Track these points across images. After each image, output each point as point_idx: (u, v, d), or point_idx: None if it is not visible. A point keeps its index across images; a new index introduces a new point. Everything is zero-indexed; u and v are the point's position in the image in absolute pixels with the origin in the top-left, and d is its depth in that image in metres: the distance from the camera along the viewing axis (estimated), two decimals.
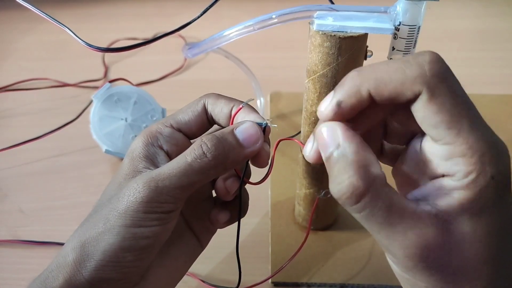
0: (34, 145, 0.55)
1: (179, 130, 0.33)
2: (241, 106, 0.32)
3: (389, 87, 0.24)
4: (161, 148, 0.31)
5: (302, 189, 0.41)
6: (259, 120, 0.31)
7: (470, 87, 0.67)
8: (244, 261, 0.35)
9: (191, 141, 0.33)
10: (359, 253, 0.43)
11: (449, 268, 0.24)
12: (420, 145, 0.26)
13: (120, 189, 0.29)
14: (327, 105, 0.25)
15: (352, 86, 0.25)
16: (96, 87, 0.66)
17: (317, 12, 0.31)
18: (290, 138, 0.35)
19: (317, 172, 0.39)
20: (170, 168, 0.28)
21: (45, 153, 0.56)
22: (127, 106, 0.53)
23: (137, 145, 0.31)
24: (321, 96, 0.33)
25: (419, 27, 0.30)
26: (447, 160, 0.24)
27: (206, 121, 0.33)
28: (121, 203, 0.28)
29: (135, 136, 0.52)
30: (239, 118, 0.32)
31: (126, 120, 0.53)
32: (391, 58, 0.32)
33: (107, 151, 0.52)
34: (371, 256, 0.43)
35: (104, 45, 0.76)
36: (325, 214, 0.44)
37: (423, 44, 0.82)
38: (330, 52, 0.31)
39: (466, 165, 0.23)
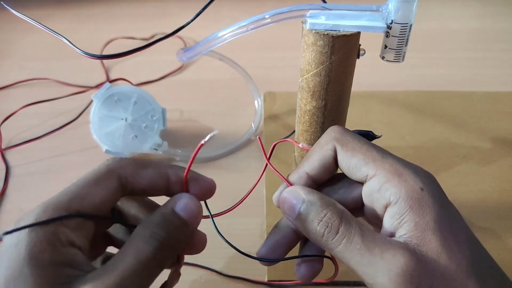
0: (34, 145, 0.55)
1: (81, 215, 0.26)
2: (202, 142, 0.28)
3: (316, 159, 0.30)
4: (73, 245, 0.24)
5: None
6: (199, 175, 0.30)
7: (470, 87, 0.68)
8: (240, 260, 0.35)
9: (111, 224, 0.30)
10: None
11: (437, 284, 0.24)
12: (361, 193, 0.30)
13: None
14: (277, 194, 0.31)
15: (300, 173, 0.31)
16: (96, 87, 0.67)
17: (310, 11, 0.31)
18: (284, 139, 0.35)
19: None
20: (131, 269, 0.24)
21: (45, 153, 0.56)
22: (127, 106, 0.54)
23: (36, 246, 0.22)
24: (315, 94, 0.33)
25: (411, 25, 0.30)
26: (379, 191, 0.27)
27: (119, 196, 0.28)
28: None
29: (135, 136, 0.53)
30: (173, 184, 0.29)
31: (126, 120, 0.53)
32: (383, 57, 0.32)
33: (107, 151, 0.52)
34: None
35: (103, 45, 0.76)
36: None
37: (423, 44, 0.83)
38: (323, 51, 0.31)
39: (393, 187, 0.26)
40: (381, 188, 0.27)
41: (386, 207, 0.27)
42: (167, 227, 0.26)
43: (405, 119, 0.60)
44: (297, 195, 0.29)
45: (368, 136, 0.38)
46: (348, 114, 0.37)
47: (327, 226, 0.26)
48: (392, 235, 0.26)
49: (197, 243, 0.30)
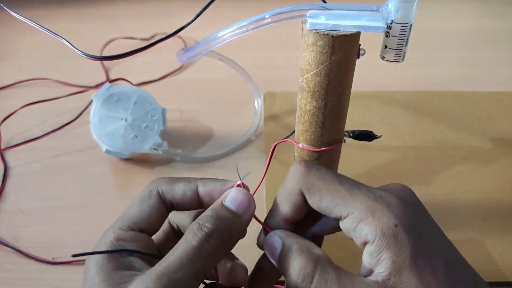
0: (34, 145, 0.55)
1: (140, 230, 0.30)
2: (238, 182, 0.31)
3: (286, 207, 0.30)
4: (131, 255, 0.29)
5: None
6: (233, 182, 0.31)
7: (470, 87, 0.68)
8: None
9: (153, 237, 0.31)
10: (354, 251, 0.43)
11: None
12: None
13: None
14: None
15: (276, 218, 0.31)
16: (96, 87, 0.67)
17: (310, 11, 0.31)
18: (284, 140, 0.35)
19: None
20: (177, 257, 0.26)
21: (45, 153, 0.56)
22: (127, 106, 0.54)
23: (101, 261, 0.28)
24: (315, 94, 0.33)
25: (411, 25, 0.30)
26: (355, 231, 0.27)
27: (165, 211, 0.31)
28: None
29: (135, 136, 0.53)
30: (203, 195, 0.31)
31: (126, 120, 0.53)
32: (383, 57, 0.32)
33: (107, 151, 0.52)
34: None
35: (103, 45, 0.76)
36: None
37: (424, 43, 0.83)
38: (323, 51, 0.31)
39: (368, 226, 0.26)
40: (356, 228, 0.27)
41: (364, 244, 0.27)
42: (215, 219, 0.28)
43: (405, 119, 0.60)
44: (277, 240, 0.29)
45: (368, 136, 0.38)
46: (348, 114, 0.37)
47: (302, 275, 0.27)
48: (370, 272, 0.26)
49: (235, 274, 0.31)
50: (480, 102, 0.63)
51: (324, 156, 0.38)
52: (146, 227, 0.30)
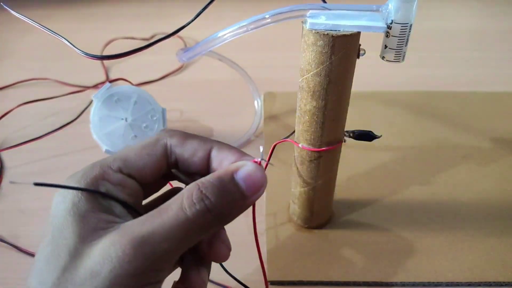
0: (34, 145, 0.55)
1: (129, 175, 0.26)
2: (259, 160, 0.27)
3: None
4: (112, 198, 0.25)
5: (297, 188, 0.42)
6: (250, 157, 0.27)
7: (470, 87, 0.68)
8: (239, 260, 0.35)
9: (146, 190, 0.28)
10: (354, 250, 0.43)
11: None
12: None
13: (79, 257, 0.22)
14: None
15: None
16: (96, 87, 0.67)
17: (310, 11, 0.31)
18: (284, 140, 0.35)
19: (312, 170, 0.39)
20: (166, 225, 0.23)
21: (45, 153, 0.56)
22: (127, 106, 0.54)
23: (78, 197, 0.24)
24: (315, 94, 0.33)
25: (411, 25, 0.30)
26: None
27: (165, 167, 0.28)
28: (97, 279, 0.21)
29: (135, 136, 0.53)
30: (214, 159, 0.28)
31: (126, 120, 0.53)
32: (383, 57, 0.32)
33: (107, 151, 0.52)
34: (366, 254, 0.43)
35: (103, 45, 0.76)
36: (320, 212, 0.44)
37: (424, 43, 0.82)
38: (323, 51, 0.31)
39: None
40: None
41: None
42: (220, 194, 0.24)
43: (405, 119, 0.60)
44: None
45: (368, 136, 0.38)
46: (348, 114, 0.37)
47: None
48: None
49: (219, 251, 0.28)
50: (480, 102, 0.63)
51: (324, 156, 0.38)
52: (137, 175, 0.26)
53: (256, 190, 0.26)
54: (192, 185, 0.25)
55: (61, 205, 0.24)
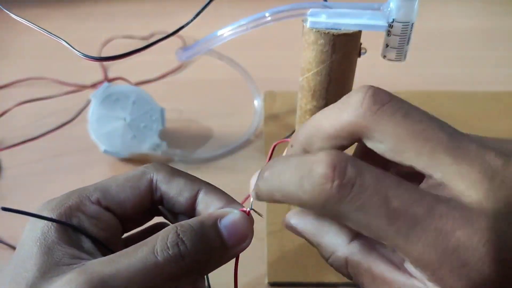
0: (33, 145, 0.55)
1: (107, 208, 0.25)
2: (248, 209, 0.24)
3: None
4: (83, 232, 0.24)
5: None
6: (238, 208, 0.25)
7: (470, 87, 0.68)
8: (239, 261, 0.35)
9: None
10: None
11: None
12: None
13: None
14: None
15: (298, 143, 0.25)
16: (94, 86, 0.67)
17: (311, 10, 0.31)
18: (284, 139, 0.34)
19: None
20: (131, 267, 0.21)
21: (44, 153, 0.56)
22: (125, 106, 0.53)
23: (48, 227, 0.23)
24: (315, 94, 0.33)
25: (413, 24, 0.30)
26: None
27: (149, 202, 0.26)
28: None
29: (134, 136, 0.52)
30: (200, 202, 0.26)
31: (125, 120, 0.53)
32: (385, 56, 0.32)
33: (105, 151, 0.52)
34: None
35: (101, 45, 0.76)
36: None
37: (425, 43, 0.82)
38: (324, 50, 0.31)
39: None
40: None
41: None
42: (198, 240, 0.22)
43: None
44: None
45: None
46: None
47: (329, 173, 0.21)
48: None
49: None
50: (480, 102, 0.63)
51: None
52: (117, 208, 0.25)
53: (239, 242, 0.24)
54: (171, 226, 0.23)
55: (31, 233, 0.23)
